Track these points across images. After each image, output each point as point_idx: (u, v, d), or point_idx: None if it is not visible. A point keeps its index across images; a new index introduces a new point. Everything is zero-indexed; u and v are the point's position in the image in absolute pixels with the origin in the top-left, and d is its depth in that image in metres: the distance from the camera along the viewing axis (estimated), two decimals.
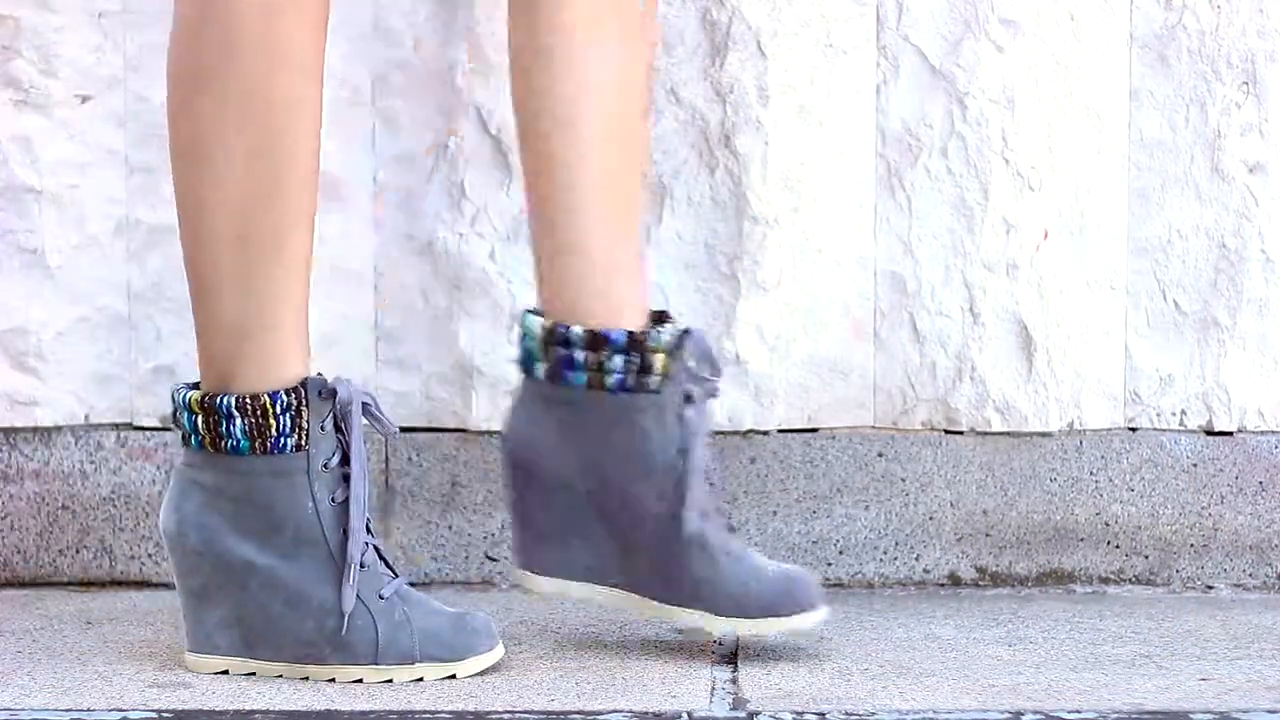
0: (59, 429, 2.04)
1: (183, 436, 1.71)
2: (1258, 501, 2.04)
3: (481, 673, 1.68)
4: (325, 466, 1.68)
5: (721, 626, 1.71)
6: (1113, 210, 2.02)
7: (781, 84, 2.01)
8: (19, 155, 2.02)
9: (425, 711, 1.58)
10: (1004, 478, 2.04)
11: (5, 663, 1.74)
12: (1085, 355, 2.03)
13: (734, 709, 1.60)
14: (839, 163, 2.02)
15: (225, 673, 1.69)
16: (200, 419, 1.69)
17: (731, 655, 1.77)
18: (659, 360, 1.72)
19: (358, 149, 2.02)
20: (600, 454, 1.73)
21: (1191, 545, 2.04)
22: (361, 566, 1.67)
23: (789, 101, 2.01)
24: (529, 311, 1.76)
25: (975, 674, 1.70)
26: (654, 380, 1.72)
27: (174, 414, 1.72)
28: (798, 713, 1.58)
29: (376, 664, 1.66)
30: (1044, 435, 2.03)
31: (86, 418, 2.04)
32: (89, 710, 1.59)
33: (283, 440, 1.67)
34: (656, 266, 2.02)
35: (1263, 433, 2.04)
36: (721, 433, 2.03)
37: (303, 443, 1.67)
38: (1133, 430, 2.04)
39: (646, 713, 1.58)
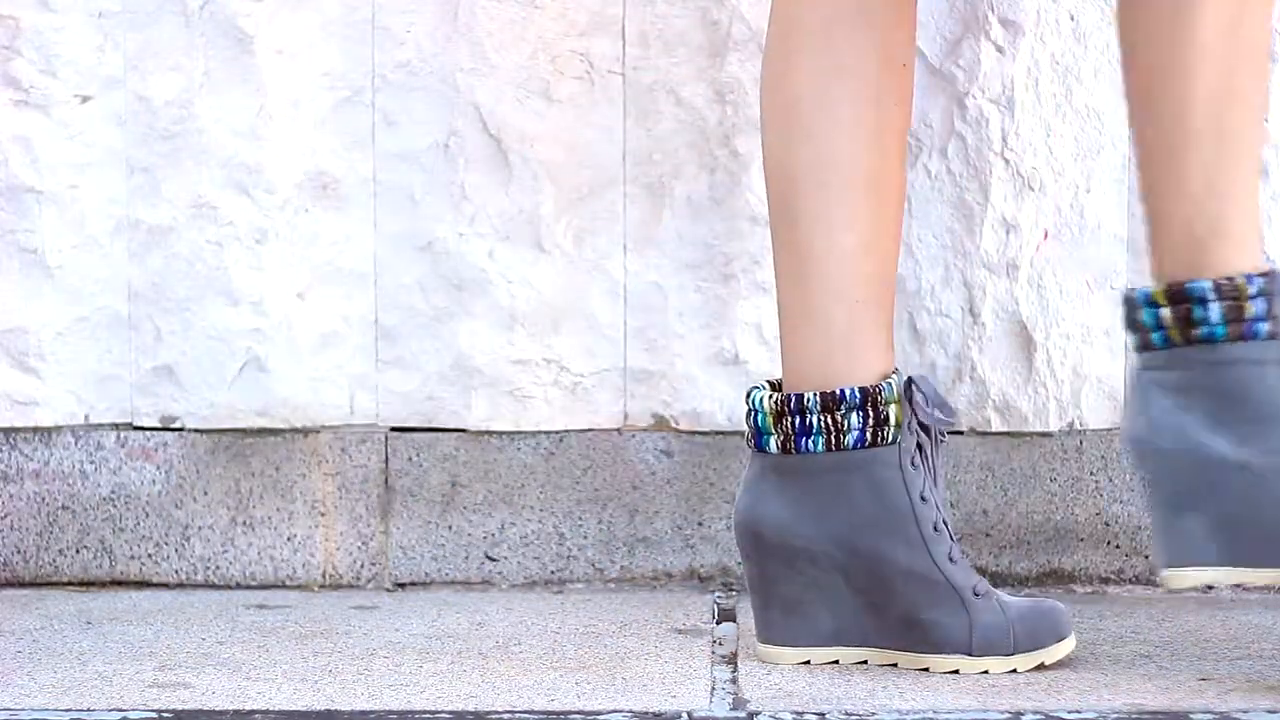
0: (59, 429, 2.04)
1: (1141, 339, 1.67)
2: None
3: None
4: None
5: (980, 666, 1.71)
6: (1113, 210, 2.02)
7: None
8: (19, 155, 2.02)
9: (425, 711, 1.58)
10: (1004, 478, 2.04)
11: (5, 663, 1.74)
12: (1085, 355, 2.03)
13: (734, 709, 1.60)
14: None
15: (1210, 589, 1.69)
16: (1168, 311, 1.64)
17: (732, 655, 1.77)
18: (892, 410, 1.71)
19: (358, 149, 2.02)
20: (844, 516, 1.71)
21: None
22: None
23: None
24: (754, 388, 1.75)
25: (975, 674, 1.70)
26: (889, 431, 1.71)
27: (1130, 316, 1.67)
28: (798, 713, 1.58)
29: None
30: (1044, 435, 2.03)
31: (86, 418, 2.04)
32: (89, 710, 1.59)
33: (1257, 326, 1.63)
34: (656, 266, 2.02)
35: None
36: (721, 433, 2.03)
37: None
38: None
39: (646, 713, 1.58)
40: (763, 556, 1.73)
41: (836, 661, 1.72)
